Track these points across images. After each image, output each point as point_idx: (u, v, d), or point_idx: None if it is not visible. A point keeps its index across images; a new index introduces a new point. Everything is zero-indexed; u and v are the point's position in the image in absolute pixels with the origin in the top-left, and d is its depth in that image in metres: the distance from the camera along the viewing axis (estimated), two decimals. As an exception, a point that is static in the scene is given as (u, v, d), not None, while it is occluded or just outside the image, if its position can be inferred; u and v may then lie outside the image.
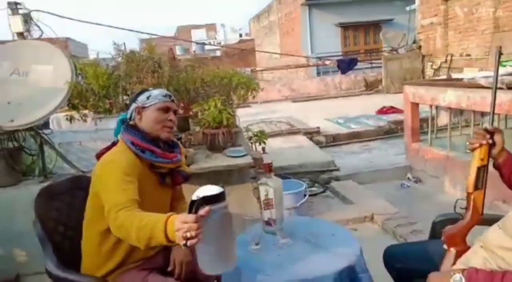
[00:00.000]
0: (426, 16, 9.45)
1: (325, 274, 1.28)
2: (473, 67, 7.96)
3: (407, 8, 11.13)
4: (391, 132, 6.50)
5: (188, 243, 1.07)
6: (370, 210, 3.40)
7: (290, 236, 1.55)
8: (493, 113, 1.51)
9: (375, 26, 15.52)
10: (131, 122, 1.59)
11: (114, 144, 1.60)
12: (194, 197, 1.13)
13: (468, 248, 1.39)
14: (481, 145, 1.40)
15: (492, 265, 1.24)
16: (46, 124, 4.15)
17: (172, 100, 1.60)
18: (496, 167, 1.47)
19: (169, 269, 1.62)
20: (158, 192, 1.59)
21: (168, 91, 1.69)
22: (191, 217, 1.10)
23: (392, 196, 3.99)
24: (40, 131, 3.02)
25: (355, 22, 15.31)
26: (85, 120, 2.91)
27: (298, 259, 1.39)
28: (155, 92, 1.59)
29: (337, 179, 4.37)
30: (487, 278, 1.09)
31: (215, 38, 35.93)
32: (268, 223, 1.55)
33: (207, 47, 27.14)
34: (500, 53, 1.48)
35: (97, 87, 2.79)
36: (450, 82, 3.83)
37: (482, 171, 1.41)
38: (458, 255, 1.39)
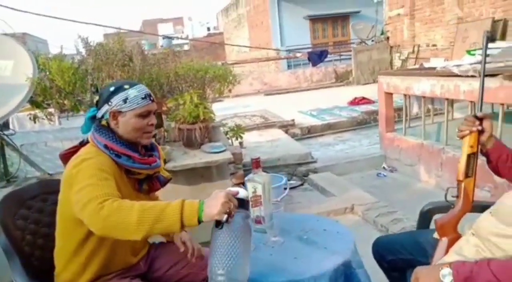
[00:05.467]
0: (393, 8, 9.61)
1: (322, 272, 1.22)
2: (439, 57, 8.19)
3: (374, 0, 11.30)
4: (364, 123, 6.59)
5: (229, 218, 1.10)
6: (350, 200, 3.41)
7: (280, 234, 1.48)
8: (482, 99, 1.50)
9: (343, 18, 15.72)
10: (103, 122, 1.40)
11: (82, 143, 1.44)
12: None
13: (460, 236, 1.38)
14: (471, 132, 1.38)
15: (486, 252, 1.23)
16: (5, 125, 3.88)
17: (153, 100, 1.41)
18: (484, 153, 1.46)
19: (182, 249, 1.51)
20: (134, 199, 1.44)
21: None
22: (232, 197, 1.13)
23: (369, 186, 4.02)
24: (0, 132, 2.80)
25: (323, 14, 15.42)
26: (50, 119, 2.70)
27: (291, 257, 1.33)
28: (132, 93, 1.36)
29: (314, 171, 4.36)
30: (475, 268, 1.07)
31: (182, 32, 35.28)
32: (257, 221, 1.48)
33: (174, 41, 26.57)
34: (488, 38, 1.46)
35: (63, 83, 2.60)
36: (424, 72, 3.88)
37: (472, 158, 1.40)
38: (450, 244, 1.38)
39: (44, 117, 2.69)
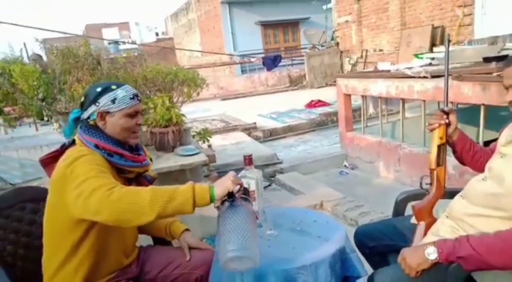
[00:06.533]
0: (341, 15, 10.11)
1: (321, 258, 1.30)
2: (385, 61, 8.72)
3: (324, 7, 11.79)
4: (323, 124, 6.87)
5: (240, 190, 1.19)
6: (319, 197, 3.55)
7: (273, 227, 1.54)
8: (447, 96, 1.68)
9: (293, 24, 16.22)
10: (91, 122, 1.40)
11: (64, 147, 1.40)
12: None
13: (435, 220, 1.53)
14: (439, 125, 1.54)
15: (460, 231, 1.38)
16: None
17: (140, 100, 1.43)
18: (450, 144, 1.63)
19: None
20: None
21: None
22: None
23: (334, 183, 4.21)
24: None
25: (274, 20, 15.81)
26: (14, 126, 2.55)
27: (290, 248, 1.40)
28: (121, 93, 1.37)
29: (281, 171, 4.49)
30: (456, 244, 1.21)
31: (130, 37, 34.26)
32: (252, 216, 1.53)
33: (121, 46, 25.68)
34: (449, 41, 1.64)
35: (27, 88, 2.48)
36: (379, 74, 4.14)
37: (441, 148, 1.56)
38: (428, 227, 1.52)
39: (6, 124, 2.54)
